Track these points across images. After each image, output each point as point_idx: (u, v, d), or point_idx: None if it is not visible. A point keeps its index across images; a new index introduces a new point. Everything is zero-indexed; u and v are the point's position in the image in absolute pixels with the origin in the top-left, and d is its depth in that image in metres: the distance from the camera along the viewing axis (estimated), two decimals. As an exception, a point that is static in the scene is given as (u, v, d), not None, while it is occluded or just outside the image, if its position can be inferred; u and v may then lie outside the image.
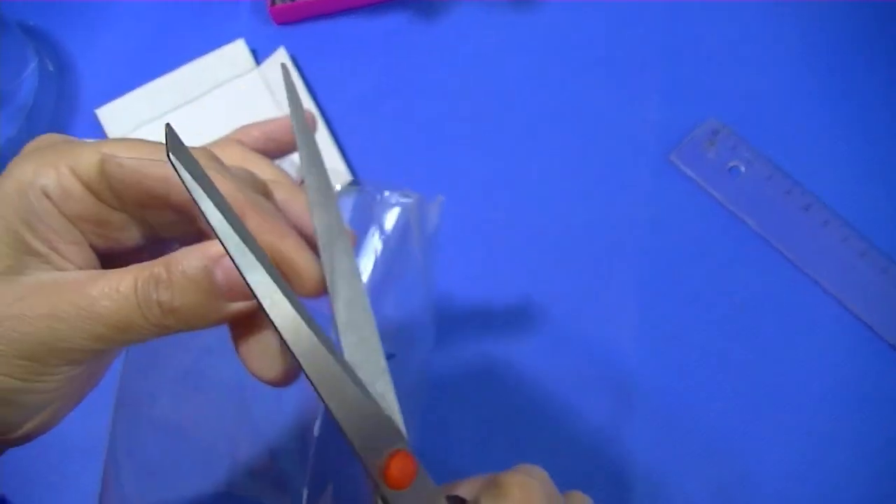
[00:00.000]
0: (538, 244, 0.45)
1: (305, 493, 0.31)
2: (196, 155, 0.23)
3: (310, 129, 0.25)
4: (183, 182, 0.19)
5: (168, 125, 0.20)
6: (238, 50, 0.50)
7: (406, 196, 0.36)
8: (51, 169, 0.23)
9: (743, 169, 0.45)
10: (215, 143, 0.30)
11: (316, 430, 0.32)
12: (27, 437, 0.23)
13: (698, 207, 0.45)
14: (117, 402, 0.35)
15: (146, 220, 0.25)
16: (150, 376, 0.35)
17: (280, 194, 0.26)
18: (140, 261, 0.25)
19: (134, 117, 0.49)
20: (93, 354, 0.22)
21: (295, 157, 0.36)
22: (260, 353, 0.23)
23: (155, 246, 0.26)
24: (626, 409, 0.42)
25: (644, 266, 0.44)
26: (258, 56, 0.50)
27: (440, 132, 0.48)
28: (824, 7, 0.49)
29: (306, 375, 0.19)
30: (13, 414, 0.22)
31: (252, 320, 0.23)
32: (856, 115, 0.46)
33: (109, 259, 0.25)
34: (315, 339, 0.19)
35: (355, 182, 0.47)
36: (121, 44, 0.51)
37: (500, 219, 0.46)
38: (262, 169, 0.28)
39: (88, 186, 0.23)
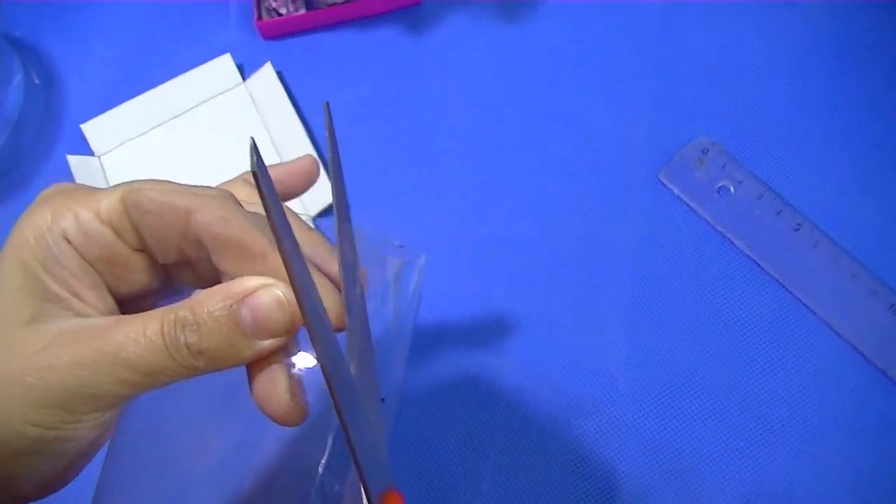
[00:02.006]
0: (526, 261, 0.44)
1: None
2: (215, 194, 0.24)
3: (339, 165, 0.25)
4: (261, 196, 0.20)
5: (252, 140, 0.20)
6: (224, 65, 0.50)
7: (391, 244, 0.36)
8: (69, 213, 0.23)
9: (732, 189, 0.45)
10: (225, 182, 0.30)
11: (320, 468, 0.31)
12: (51, 490, 0.24)
13: (687, 228, 0.44)
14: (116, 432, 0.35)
15: (162, 261, 0.25)
16: (152, 413, 0.35)
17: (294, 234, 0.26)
18: (154, 304, 0.26)
19: (119, 132, 0.49)
20: (121, 399, 0.22)
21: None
22: (272, 393, 0.23)
23: (169, 291, 0.27)
24: (612, 429, 0.41)
25: (632, 286, 0.44)
26: (245, 71, 0.50)
27: (427, 146, 0.47)
28: (815, 26, 0.48)
29: (338, 411, 0.20)
30: (42, 463, 0.22)
31: (267, 360, 0.23)
32: (848, 135, 0.46)
33: (124, 303, 0.25)
34: (351, 379, 0.20)
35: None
36: (107, 58, 0.51)
37: (487, 234, 0.45)
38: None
39: (110, 225, 0.23)
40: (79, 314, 0.23)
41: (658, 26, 0.49)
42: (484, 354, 0.43)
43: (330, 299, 0.23)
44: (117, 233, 0.23)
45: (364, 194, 0.46)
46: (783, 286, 0.43)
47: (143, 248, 0.24)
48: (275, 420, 0.23)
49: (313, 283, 0.22)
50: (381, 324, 0.36)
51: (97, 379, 0.21)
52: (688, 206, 0.45)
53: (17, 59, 0.51)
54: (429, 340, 0.43)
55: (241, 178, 0.29)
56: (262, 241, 0.23)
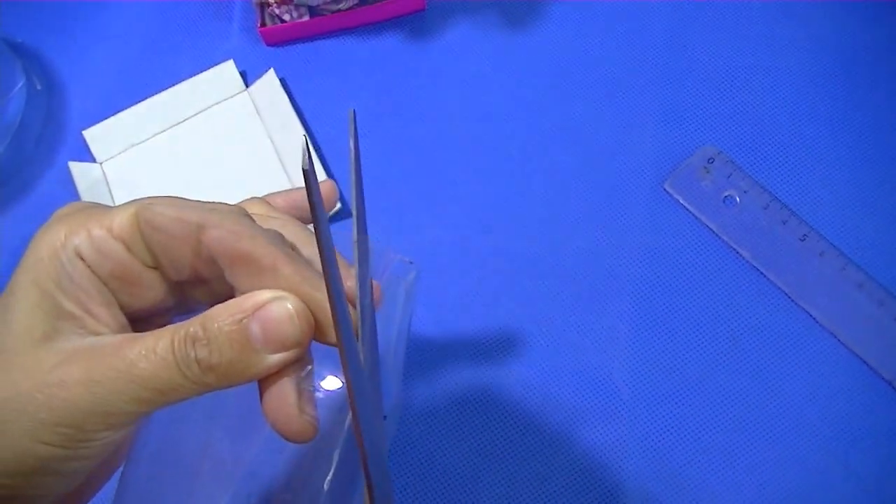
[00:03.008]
0: (530, 271, 0.44)
1: None
2: (228, 209, 0.24)
3: (360, 175, 0.25)
4: (308, 190, 0.19)
5: (305, 138, 0.20)
6: (227, 71, 0.49)
7: (404, 261, 0.36)
8: (83, 230, 0.23)
9: (738, 199, 0.44)
10: (240, 202, 0.30)
11: (326, 485, 0.31)
12: None
13: (692, 238, 0.44)
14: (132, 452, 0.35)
15: (175, 278, 0.25)
16: (166, 433, 0.35)
17: (306, 251, 0.26)
18: (166, 322, 0.25)
19: (121, 139, 0.49)
20: (134, 417, 0.22)
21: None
22: (283, 408, 0.23)
23: (181, 307, 0.26)
24: (617, 440, 0.41)
25: (637, 296, 0.43)
26: (247, 78, 0.50)
27: (431, 155, 0.47)
28: (821, 36, 0.48)
29: (357, 428, 0.21)
30: (56, 483, 0.22)
31: (279, 374, 0.23)
32: (854, 145, 0.45)
33: (137, 322, 0.25)
34: (373, 399, 0.21)
35: (343, 210, 0.46)
36: (110, 64, 0.51)
37: (491, 244, 0.45)
38: (285, 226, 0.28)
39: (123, 241, 0.23)
40: (91, 332, 0.23)
41: (663, 36, 0.49)
42: (488, 366, 0.43)
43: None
44: (129, 249, 0.24)
45: (367, 203, 0.46)
46: (789, 297, 0.43)
47: (155, 266, 0.24)
48: (285, 436, 0.23)
49: (345, 297, 0.22)
50: (380, 337, 0.36)
51: (109, 396, 0.21)
52: (693, 215, 0.44)
53: (19, 66, 0.51)
54: (432, 353, 0.43)
55: (256, 199, 0.29)
56: (273, 255, 0.23)
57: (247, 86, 0.49)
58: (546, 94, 0.48)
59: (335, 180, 0.47)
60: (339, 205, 0.46)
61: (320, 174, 0.46)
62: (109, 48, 0.51)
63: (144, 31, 0.51)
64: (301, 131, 0.48)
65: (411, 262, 0.37)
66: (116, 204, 0.25)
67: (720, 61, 0.48)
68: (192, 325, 0.22)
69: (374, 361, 0.24)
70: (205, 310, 0.23)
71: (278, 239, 0.24)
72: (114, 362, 0.21)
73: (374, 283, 0.26)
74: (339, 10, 0.49)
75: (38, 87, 0.52)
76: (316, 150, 0.47)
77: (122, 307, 0.24)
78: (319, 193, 0.20)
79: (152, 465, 0.33)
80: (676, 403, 0.41)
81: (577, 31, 0.49)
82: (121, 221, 0.23)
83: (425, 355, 0.43)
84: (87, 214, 0.24)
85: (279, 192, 0.32)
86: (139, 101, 0.49)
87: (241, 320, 0.22)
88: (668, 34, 0.48)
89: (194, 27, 0.51)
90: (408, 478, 0.41)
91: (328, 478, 0.31)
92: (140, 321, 0.25)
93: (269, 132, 0.48)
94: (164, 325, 0.23)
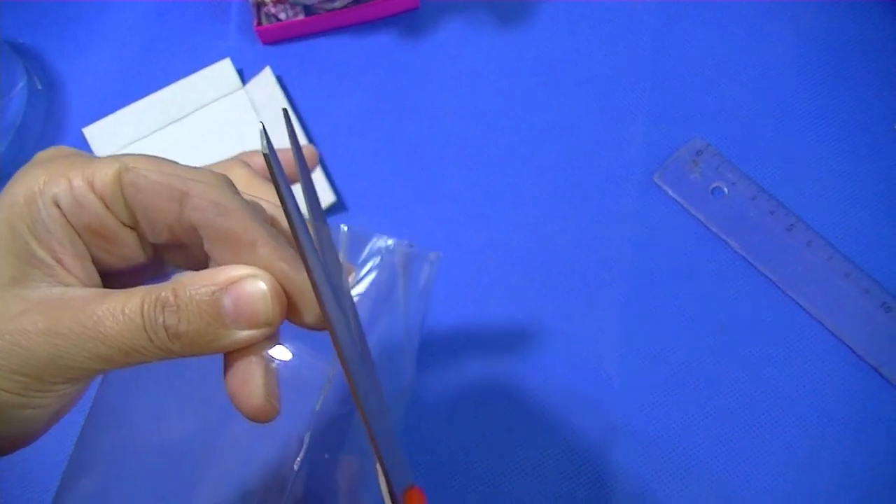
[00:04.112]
0: (523, 264, 0.45)
1: None
2: (212, 178, 0.23)
3: (310, 173, 0.25)
4: (275, 184, 0.20)
5: (262, 124, 0.21)
6: (224, 69, 0.50)
7: (402, 245, 0.36)
8: (63, 179, 0.22)
9: (726, 190, 0.45)
10: (221, 163, 0.29)
11: (296, 465, 0.32)
12: (3, 453, 0.23)
13: (682, 229, 0.45)
14: (92, 410, 0.35)
15: (152, 240, 0.24)
16: (134, 391, 0.35)
17: (285, 223, 0.26)
18: (140, 282, 0.25)
19: (121, 136, 0.50)
20: (94, 374, 0.22)
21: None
22: (246, 387, 0.23)
23: (156, 268, 0.26)
24: (608, 427, 0.42)
25: (628, 287, 0.44)
26: (244, 76, 0.51)
27: (425, 151, 0.48)
28: (808, 31, 0.49)
29: (361, 411, 0.21)
30: (5, 428, 0.22)
31: (245, 352, 0.23)
32: (840, 137, 0.46)
33: (109, 277, 0.24)
34: (371, 381, 0.21)
35: (338, 205, 0.47)
36: (109, 63, 0.52)
37: (484, 238, 0.46)
38: (267, 195, 0.28)
39: (102, 198, 0.23)
40: (61, 283, 0.22)
41: (652, 33, 0.49)
42: (480, 355, 0.43)
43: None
44: (108, 206, 0.23)
45: (362, 198, 0.47)
46: (776, 286, 0.44)
47: (133, 226, 0.24)
48: (246, 415, 0.23)
49: (328, 279, 0.22)
50: (390, 319, 0.37)
51: (72, 351, 0.21)
52: (682, 207, 0.45)
53: (20, 65, 0.52)
54: (425, 342, 0.44)
55: (238, 160, 0.29)
56: (254, 232, 0.23)
57: (243, 83, 0.50)
58: (537, 90, 0.49)
59: (330, 175, 0.47)
60: (333, 198, 0.46)
61: (316, 170, 0.47)
62: (108, 48, 0.52)
63: (143, 30, 0.52)
64: (297, 127, 0.48)
65: (433, 255, 0.37)
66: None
67: (708, 56, 0.49)
68: (164, 289, 0.22)
69: (364, 347, 0.25)
70: (177, 273, 0.23)
71: (259, 213, 0.24)
72: (80, 317, 0.21)
73: (349, 264, 0.27)
74: (333, 9, 0.50)
75: (39, 87, 0.52)
76: (311, 145, 0.48)
77: (94, 262, 0.24)
78: (284, 175, 0.21)
79: (111, 431, 0.34)
80: (666, 391, 0.42)
81: (568, 29, 0.50)
82: (103, 177, 0.23)
83: (420, 346, 0.43)
84: (69, 163, 0.23)
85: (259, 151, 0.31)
86: (138, 100, 0.50)
87: (213, 292, 0.22)
88: (657, 30, 0.49)
89: (192, 27, 0.52)
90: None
91: (298, 458, 0.31)
92: (112, 278, 0.24)
93: (265, 128, 0.49)
94: (136, 285, 0.23)
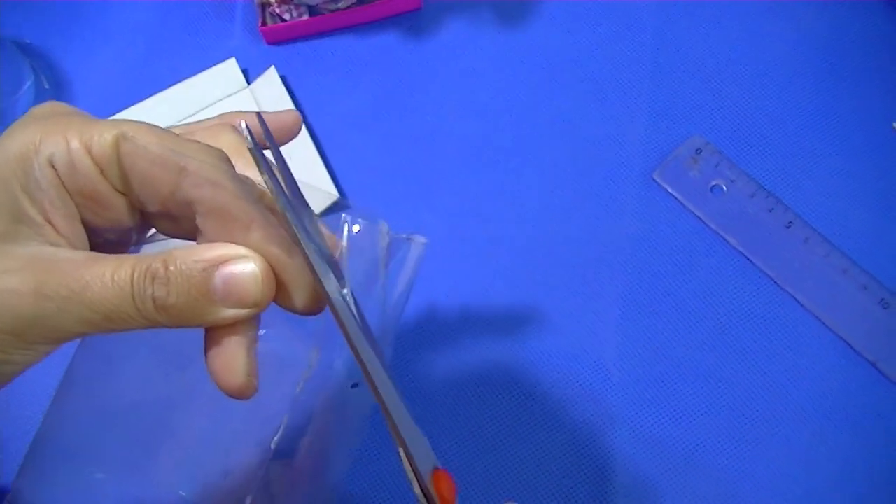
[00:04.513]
0: (524, 260, 0.46)
1: (249, 500, 0.32)
2: (209, 154, 0.23)
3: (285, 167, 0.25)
4: (265, 179, 0.21)
5: (245, 123, 0.21)
6: (229, 69, 0.51)
7: (383, 228, 0.36)
8: (61, 139, 0.22)
9: (725, 188, 0.46)
10: (209, 125, 0.29)
11: (273, 444, 0.32)
12: None
13: (681, 226, 0.45)
14: (66, 379, 0.36)
15: (144, 209, 0.24)
16: (113, 356, 0.35)
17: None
18: (126, 242, 0.25)
19: (127, 135, 0.50)
20: (76, 336, 0.22)
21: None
22: (227, 364, 0.23)
23: (143, 231, 0.26)
24: (607, 419, 0.42)
25: (627, 283, 0.45)
26: (249, 75, 0.51)
27: (428, 149, 0.48)
28: (806, 30, 0.49)
29: (381, 401, 0.22)
30: None
31: (228, 330, 0.23)
32: (838, 135, 0.47)
33: (95, 237, 0.24)
34: (382, 365, 0.22)
35: (342, 202, 0.47)
36: (115, 62, 0.52)
37: (486, 234, 0.46)
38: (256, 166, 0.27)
39: (98, 163, 0.23)
40: (50, 242, 0.22)
41: (653, 31, 0.50)
42: (482, 349, 0.44)
43: (309, 279, 0.24)
44: (103, 172, 0.23)
45: (365, 195, 0.48)
46: (775, 282, 0.44)
47: (125, 192, 0.23)
48: (225, 392, 0.23)
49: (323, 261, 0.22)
50: (365, 301, 0.37)
51: (58, 314, 0.21)
52: (682, 204, 0.46)
53: (27, 65, 0.52)
54: (428, 336, 0.44)
55: (226, 125, 0.28)
56: (249, 213, 0.23)
57: (248, 83, 0.51)
58: (539, 88, 0.49)
59: (334, 171, 0.48)
60: (337, 194, 0.47)
61: (319, 167, 0.48)
62: (114, 47, 0.53)
63: (149, 30, 0.53)
64: (302, 128, 0.49)
65: (420, 239, 0.37)
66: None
67: (708, 55, 0.49)
68: (155, 261, 0.22)
69: (365, 322, 0.25)
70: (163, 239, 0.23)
71: (252, 192, 0.24)
72: (69, 281, 0.21)
73: (329, 234, 0.27)
74: (337, 10, 0.50)
75: (46, 86, 0.53)
76: (316, 145, 0.49)
77: (84, 224, 0.24)
78: (270, 168, 0.21)
79: (87, 398, 0.34)
80: (665, 385, 0.43)
81: (569, 28, 0.51)
82: (101, 142, 0.22)
83: (420, 338, 0.44)
84: (66, 122, 0.23)
85: (246, 114, 0.31)
86: (144, 99, 0.50)
87: (204, 269, 0.22)
88: (658, 29, 0.50)
89: (197, 27, 0.53)
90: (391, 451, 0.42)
91: (276, 437, 0.32)
92: (98, 238, 0.24)
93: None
94: (122, 246, 0.23)
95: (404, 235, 0.37)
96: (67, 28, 0.53)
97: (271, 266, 0.23)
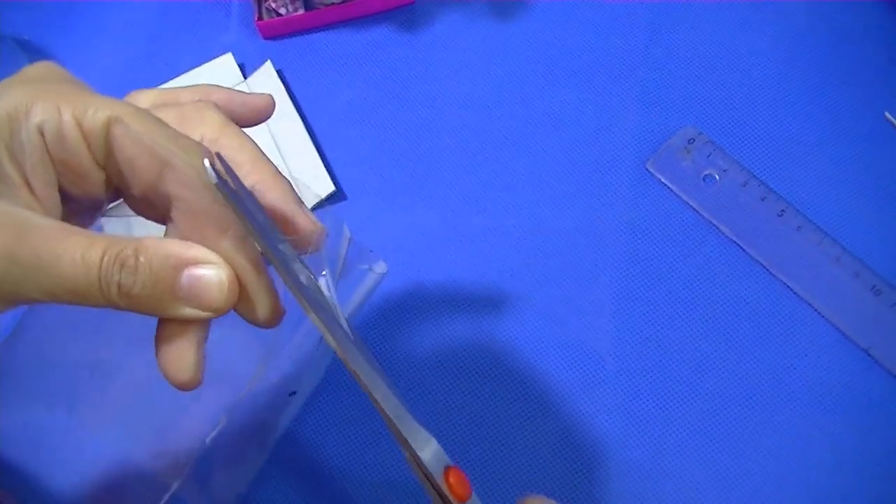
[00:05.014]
0: (518, 250, 0.46)
1: (175, 486, 0.32)
2: (197, 154, 0.23)
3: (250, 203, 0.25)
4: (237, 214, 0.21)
5: (208, 160, 0.21)
6: (226, 64, 0.51)
7: (346, 233, 0.36)
8: (53, 108, 0.22)
9: (717, 177, 0.46)
10: (192, 99, 0.28)
11: (208, 440, 0.33)
12: None
13: (674, 215, 0.46)
14: (15, 330, 0.36)
15: (122, 188, 0.25)
16: (67, 313, 0.36)
17: (255, 176, 0.27)
18: (96, 210, 0.26)
19: (124, 129, 0.51)
20: (32, 303, 0.22)
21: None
22: (177, 358, 0.24)
23: (114, 200, 0.26)
24: (601, 409, 0.42)
25: (620, 272, 0.45)
26: (245, 70, 0.52)
27: (422, 140, 0.49)
28: (799, 18, 0.50)
29: (384, 413, 0.23)
30: None
31: (183, 326, 0.24)
32: (829, 124, 0.47)
33: (68, 203, 0.24)
34: (389, 388, 0.23)
35: (337, 195, 0.48)
36: (112, 58, 0.53)
37: (480, 225, 0.47)
38: (241, 145, 0.27)
39: (87, 139, 0.23)
40: (24, 204, 0.22)
41: (645, 23, 0.50)
42: (476, 339, 0.44)
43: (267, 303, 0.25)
44: (90, 147, 0.23)
45: (360, 187, 0.48)
46: (768, 270, 0.44)
47: (105, 168, 0.24)
48: (169, 382, 0.24)
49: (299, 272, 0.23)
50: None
51: (22, 280, 0.21)
52: (675, 194, 0.46)
53: (26, 61, 0.53)
54: (422, 327, 0.44)
55: (209, 104, 0.28)
56: (224, 221, 0.23)
57: (245, 77, 0.51)
58: (532, 79, 0.50)
59: (329, 164, 0.48)
60: (332, 187, 0.47)
61: (315, 160, 0.48)
62: (112, 43, 0.53)
63: (146, 26, 0.53)
64: (298, 120, 0.49)
65: (379, 269, 0.38)
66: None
67: (701, 46, 0.49)
68: (127, 247, 0.22)
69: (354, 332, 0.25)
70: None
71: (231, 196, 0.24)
72: (39, 250, 0.21)
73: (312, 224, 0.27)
74: (332, 4, 0.51)
75: (45, 82, 0.54)
76: (312, 138, 0.49)
77: (60, 189, 0.24)
78: (243, 204, 0.21)
79: (36, 345, 0.34)
80: (658, 373, 0.43)
81: (562, 20, 0.51)
82: (93, 120, 0.23)
83: (412, 327, 0.44)
84: (61, 92, 0.23)
85: (224, 90, 0.31)
86: (141, 94, 0.51)
87: (174, 266, 0.22)
88: (650, 20, 0.50)
89: (194, 22, 0.53)
90: (347, 456, 0.42)
91: (212, 434, 0.33)
92: (70, 205, 0.25)
93: (267, 120, 0.50)
94: (92, 213, 0.23)
95: (366, 266, 0.37)
96: (65, 24, 0.54)
97: (238, 276, 0.24)
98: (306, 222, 0.27)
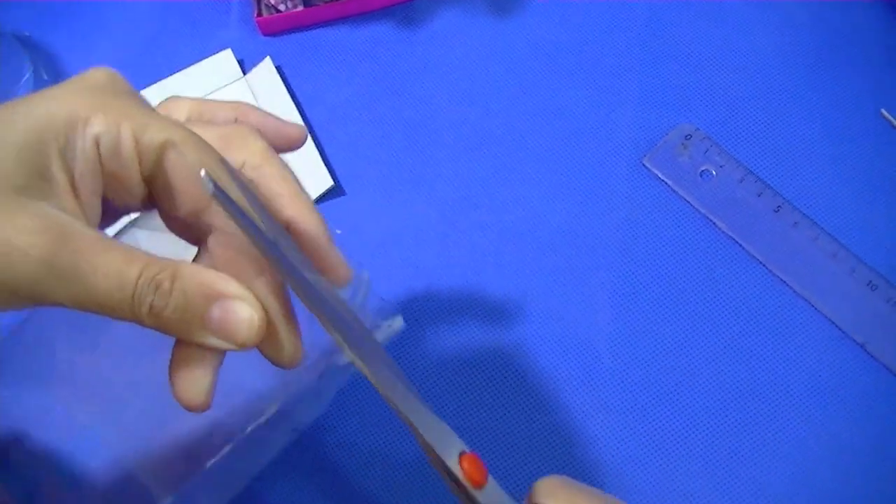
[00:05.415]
0: (514, 244, 0.46)
1: (168, 501, 0.33)
2: (242, 186, 0.24)
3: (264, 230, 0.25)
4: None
5: (206, 171, 0.21)
6: (225, 60, 0.51)
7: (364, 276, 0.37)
8: (113, 123, 0.22)
9: (714, 173, 0.46)
10: (233, 127, 0.28)
11: (208, 465, 0.33)
12: None
13: (671, 210, 0.46)
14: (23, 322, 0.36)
15: (163, 206, 0.25)
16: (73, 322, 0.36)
17: (293, 209, 0.27)
18: (125, 215, 0.26)
19: (124, 125, 0.51)
20: (55, 306, 0.22)
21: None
22: (192, 382, 0.24)
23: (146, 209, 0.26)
24: (599, 404, 0.42)
25: (618, 267, 0.45)
26: (245, 66, 0.52)
27: (421, 136, 0.49)
28: (796, 15, 0.50)
29: (397, 407, 0.23)
30: None
31: (201, 351, 0.24)
32: (826, 120, 0.47)
33: (103, 208, 0.25)
34: (406, 387, 0.23)
35: (336, 189, 0.48)
36: (112, 53, 0.53)
37: (477, 220, 0.47)
38: (283, 175, 0.27)
39: (140, 156, 0.23)
40: (69, 210, 0.22)
41: (643, 20, 0.51)
42: (470, 335, 0.44)
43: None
44: (141, 164, 0.23)
45: (359, 183, 0.48)
46: (764, 266, 0.44)
47: (149, 184, 0.24)
48: (178, 402, 0.24)
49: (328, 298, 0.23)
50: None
51: (54, 286, 0.21)
52: (672, 189, 0.46)
53: (26, 57, 0.53)
54: (415, 322, 0.44)
55: (252, 130, 0.27)
56: (262, 262, 0.24)
57: (244, 73, 0.51)
58: (530, 76, 0.50)
59: (328, 160, 0.49)
60: (331, 182, 0.48)
61: (314, 156, 0.48)
62: (112, 39, 0.53)
63: (146, 22, 0.53)
64: (297, 116, 0.50)
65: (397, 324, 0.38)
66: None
67: (697, 43, 0.50)
68: (164, 271, 0.22)
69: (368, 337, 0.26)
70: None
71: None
72: (78, 259, 0.21)
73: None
74: (331, 1, 0.51)
75: (45, 78, 0.54)
76: (311, 133, 0.49)
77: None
78: (241, 212, 0.22)
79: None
80: (655, 369, 0.43)
81: (559, 16, 0.51)
82: (150, 140, 0.23)
83: (408, 325, 0.44)
84: (122, 108, 0.23)
85: (262, 113, 0.31)
86: (141, 90, 0.51)
87: (207, 296, 0.22)
88: (648, 17, 0.51)
89: (194, 18, 0.53)
90: (391, 445, 0.42)
91: (212, 461, 0.33)
92: (104, 209, 0.25)
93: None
94: (120, 216, 0.24)
95: (387, 323, 0.38)
96: (65, 20, 0.54)
97: (268, 317, 0.24)
98: (337, 262, 0.28)
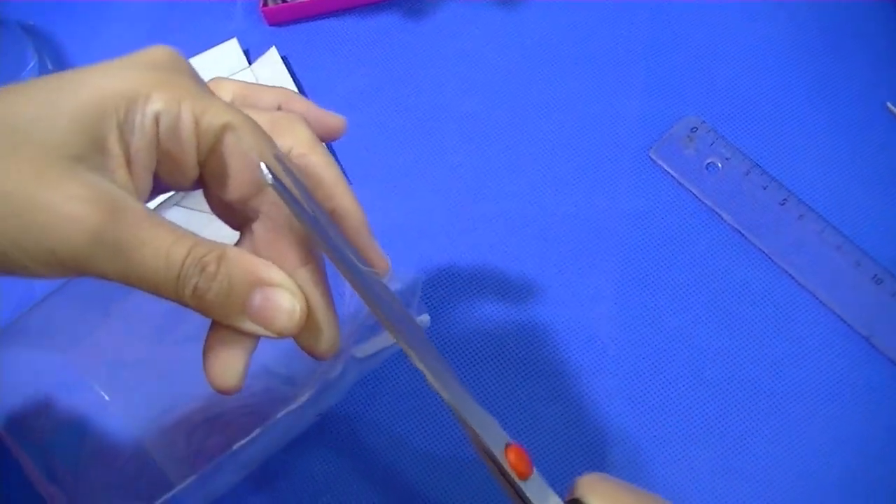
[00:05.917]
0: (520, 234, 0.46)
1: (179, 486, 0.33)
2: (299, 177, 0.24)
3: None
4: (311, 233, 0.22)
5: (270, 171, 0.22)
6: (231, 50, 0.51)
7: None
8: (174, 102, 0.22)
9: (720, 165, 0.46)
10: (282, 114, 0.28)
11: (236, 446, 0.33)
12: None
13: (676, 203, 0.46)
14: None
15: (214, 190, 0.25)
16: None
17: (336, 200, 0.27)
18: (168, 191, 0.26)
19: (129, 114, 0.51)
20: (99, 278, 0.22)
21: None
22: (226, 365, 0.24)
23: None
24: (603, 394, 0.43)
25: (623, 258, 0.45)
26: (250, 56, 0.52)
27: (427, 127, 0.49)
28: (802, 8, 0.50)
29: (444, 396, 0.24)
30: None
31: (238, 335, 0.24)
32: (831, 113, 0.47)
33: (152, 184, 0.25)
34: (452, 377, 0.24)
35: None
36: (118, 43, 0.53)
37: (484, 211, 0.47)
38: (328, 164, 0.27)
39: (198, 137, 0.23)
40: (121, 184, 0.22)
41: (649, 12, 0.51)
42: (475, 323, 0.44)
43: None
44: (198, 146, 0.23)
45: (365, 172, 0.48)
46: (770, 258, 0.44)
47: (202, 166, 0.24)
48: (211, 385, 0.24)
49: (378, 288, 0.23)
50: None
51: (100, 259, 0.21)
52: (677, 181, 0.46)
53: (31, 46, 0.53)
54: (424, 306, 0.44)
55: (299, 118, 0.28)
56: (307, 252, 0.24)
57: (250, 63, 0.51)
58: (536, 67, 0.50)
59: (333, 151, 0.49)
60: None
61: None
62: (118, 28, 0.53)
63: (151, 11, 0.53)
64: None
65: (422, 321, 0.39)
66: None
67: (703, 35, 0.50)
68: (210, 253, 0.22)
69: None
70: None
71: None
72: (127, 234, 0.21)
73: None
74: (337, -9, 0.51)
75: (50, 67, 0.54)
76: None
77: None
78: (298, 203, 0.22)
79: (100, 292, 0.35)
80: (660, 360, 0.43)
81: (566, 8, 0.51)
82: (210, 122, 0.23)
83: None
84: (184, 88, 0.23)
85: (304, 102, 0.31)
86: (146, 79, 0.51)
87: (251, 282, 0.23)
88: (653, 9, 0.51)
89: (199, 8, 0.53)
90: (397, 428, 0.42)
91: (240, 443, 0.33)
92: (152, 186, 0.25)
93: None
94: (158, 195, 0.24)
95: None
96: (70, 10, 0.54)
97: (309, 307, 0.24)
98: (377, 253, 0.28)
